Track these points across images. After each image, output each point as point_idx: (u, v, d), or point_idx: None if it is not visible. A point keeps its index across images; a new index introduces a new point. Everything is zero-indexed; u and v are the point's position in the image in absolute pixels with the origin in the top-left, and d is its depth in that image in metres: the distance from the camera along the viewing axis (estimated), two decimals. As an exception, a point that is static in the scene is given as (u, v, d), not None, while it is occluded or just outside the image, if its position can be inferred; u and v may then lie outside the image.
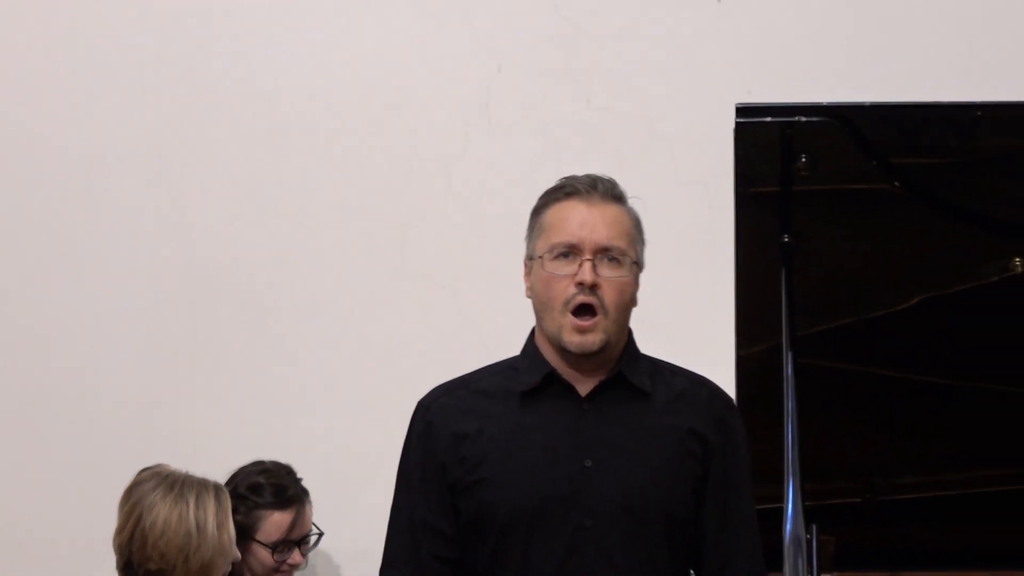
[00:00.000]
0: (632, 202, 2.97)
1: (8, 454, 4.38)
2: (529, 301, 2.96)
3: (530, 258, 2.95)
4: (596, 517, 2.86)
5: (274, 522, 3.91)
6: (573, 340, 2.87)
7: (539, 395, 2.92)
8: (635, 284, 2.93)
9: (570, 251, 2.89)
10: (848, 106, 3.47)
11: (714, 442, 2.94)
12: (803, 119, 3.41)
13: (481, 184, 4.30)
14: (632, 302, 2.94)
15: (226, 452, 4.02)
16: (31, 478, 4.37)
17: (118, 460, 3.91)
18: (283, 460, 4.04)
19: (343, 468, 4.24)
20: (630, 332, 2.97)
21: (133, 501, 3.40)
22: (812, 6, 4.28)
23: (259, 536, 3.89)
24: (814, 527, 3.28)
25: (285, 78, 4.38)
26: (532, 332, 2.98)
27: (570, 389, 2.92)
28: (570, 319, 2.87)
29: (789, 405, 3.17)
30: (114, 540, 3.42)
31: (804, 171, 3.44)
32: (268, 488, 3.93)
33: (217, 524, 3.40)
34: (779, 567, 2.95)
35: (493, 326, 4.11)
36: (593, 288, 2.87)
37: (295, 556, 3.94)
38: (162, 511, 3.36)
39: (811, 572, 3.19)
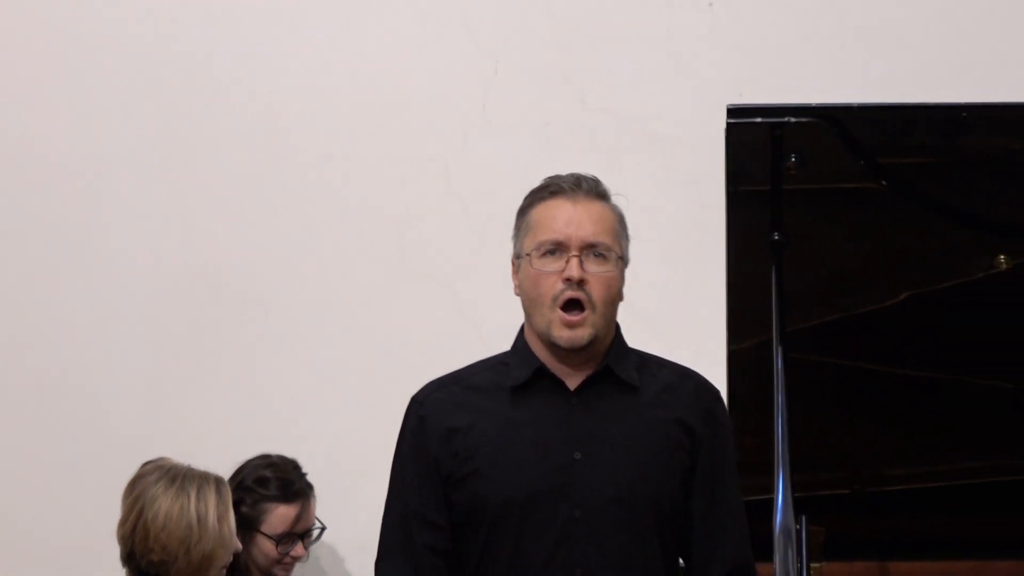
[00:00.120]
0: (616, 199, 2.98)
1: (15, 448, 4.39)
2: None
3: (518, 256, 2.97)
4: (586, 509, 2.88)
5: (279, 515, 3.92)
6: (562, 335, 2.89)
7: (529, 390, 2.94)
8: (621, 279, 2.95)
9: (557, 248, 2.91)
10: (836, 107, 3.48)
11: (702, 433, 2.96)
12: (793, 120, 3.42)
13: (479, 183, 4.30)
14: (619, 296, 2.96)
15: (228, 447, 4.01)
16: (38, 471, 4.38)
17: (123, 453, 3.91)
18: (285, 455, 4.04)
19: (344, 463, 4.24)
20: (618, 326, 2.99)
21: (136, 494, 3.42)
22: (801, 11, 4.28)
23: (264, 528, 3.90)
24: (803, 518, 3.31)
25: (286, 80, 4.38)
26: (522, 328, 2.99)
27: (559, 384, 2.94)
28: (559, 314, 2.89)
29: (779, 399, 3.18)
30: (118, 531, 3.43)
31: (794, 170, 3.45)
32: (274, 482, 3.94)
33: (218, 516, 3.41)
34: (770, 557, 2.96)
35: (491, 323, 4.09)
36: (581, 284, 2.89)
37: (298, 549, 3.95)
38: (164, 504, 3.38)
39: (801, 562, 3.22)
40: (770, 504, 3.01)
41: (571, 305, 2.90)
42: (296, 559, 3.97)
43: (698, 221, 4.22)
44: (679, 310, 4.23)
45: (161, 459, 3.53)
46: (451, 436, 2.94)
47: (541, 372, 2.94)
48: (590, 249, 2.91)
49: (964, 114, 3.46)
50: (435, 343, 4.26)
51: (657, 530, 2.92)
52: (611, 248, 2.93)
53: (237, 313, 4.39)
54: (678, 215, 4.27)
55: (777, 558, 2.95)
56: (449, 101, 4.36)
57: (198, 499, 3.40)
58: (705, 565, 2.96)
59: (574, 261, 2.90)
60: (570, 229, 2.91)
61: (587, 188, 2.95)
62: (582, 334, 2.90)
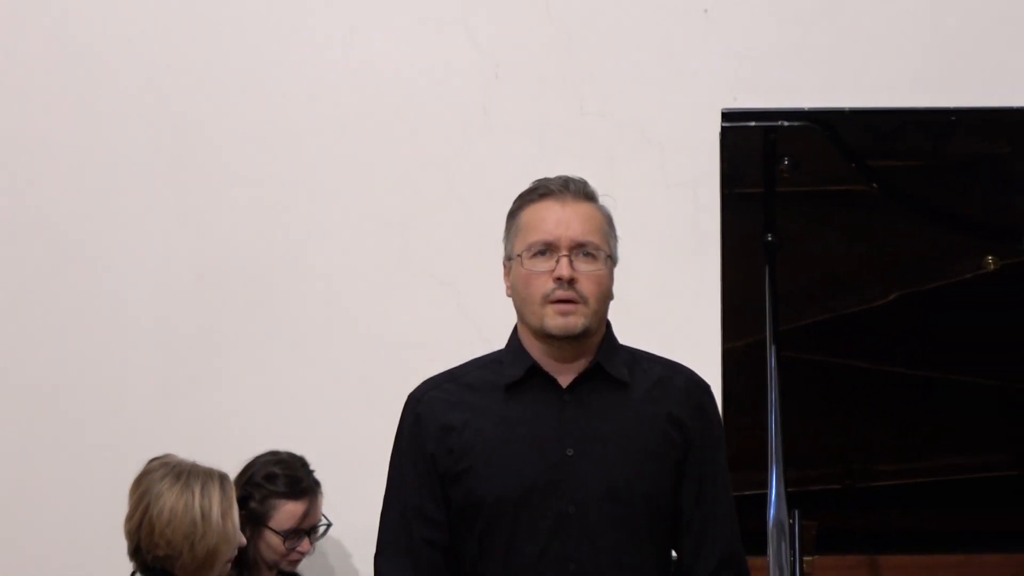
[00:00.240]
0: (605, 200, 3.00)
1: (26, 445, 4.40)
2: (520, 299, 2.99)
3: (509, 258, 2.99)
4: (578, 503, 2.91)
5: (287, 511, 3.92)
6: (556, 323, 2.91)
7: (522, 387, 2.96)
8: (611, 277, 2.97)
9: (547, 248, 2.93)
10: (828, 112, 3.51)
11: (692, 427, 2.97)
12: (786, 124, 3.45)
13: (480, 185, 4.31)
14: (609, 294, 2.97)
15: (234, 445, 4.01)
16: (49, 467, 4.39)
17: (132, 451, 3.88)
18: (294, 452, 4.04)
19: (348, 460, 4.22)
20: (608, 324, 3.01)
21: (142, 490, 3.45)
22: (795, 17, 4.29)
23: (272, 524, 3.91)
24: (796, 512, 3.40)
25: (290, 84, 4.39)
26: (515, 328, 3.02)
27: (552, 381, 2.96)
28: (551, 305, 2.91)
29: (772, 396, 3.21)
30: (125, 526, 3.46)
31: (787, 173, 3.48)
32: (283, 478, 3.94)
33: (222, 512, 3.43)
34: (763, 551, 2.99)
35: (492, 323, 3.87)
36: (571, 283, 2.91)
37: (304, 544, 3.95)
38: (169, 500, 3.40)
39: (794, 555, 3.29)
40: (763, 499, 3.05)
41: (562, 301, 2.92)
42: (302, 554, 3.98)
43: (693, 222, 4.24)
44: (675, 309, 4.24)
45: (166, 456, 3.55)
46: (446, 433, 2.97)
47: (534, 370, 2.97)
48: (579, 249, 2.94)
49: (953, 119, 3.50)
50: (437, 342, 4.26)
51: (649, 524, 2.94)
52: (600, 247, 2.95)
53: (245, 312, 4.40)
54: (674, 217, 4.28)
55: (771, 551, 2.99)
56: (451, 104, 4.38)
57: (202, 495, 3.42)
58: (695, 556, 2.98)
59: (564, 261, 2.92)
60: (559, 230, 2.94)
61: (575, 190, 2.98)
62: (575, 322, 2.91)
